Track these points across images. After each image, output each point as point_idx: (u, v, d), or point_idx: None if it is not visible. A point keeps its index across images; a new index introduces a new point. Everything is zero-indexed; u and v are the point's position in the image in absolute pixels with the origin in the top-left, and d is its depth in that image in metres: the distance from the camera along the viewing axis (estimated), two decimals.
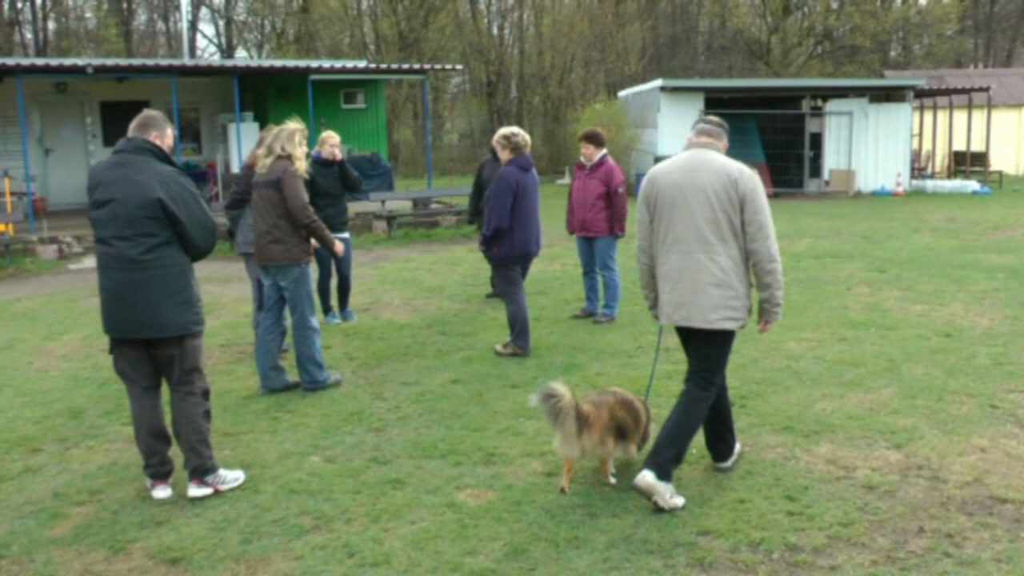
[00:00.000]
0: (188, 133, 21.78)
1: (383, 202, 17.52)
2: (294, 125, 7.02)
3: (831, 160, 23.66)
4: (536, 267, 12.58)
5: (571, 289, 10.85)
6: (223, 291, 11.52)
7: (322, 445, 5.77)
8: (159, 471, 5.07)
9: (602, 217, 8.95)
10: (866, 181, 23.58)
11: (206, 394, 5.13)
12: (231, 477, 5.15)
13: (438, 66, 21.37)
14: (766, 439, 5.69)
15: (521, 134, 7.70)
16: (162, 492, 5.04)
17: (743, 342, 7.94)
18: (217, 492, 5.03)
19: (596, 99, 29.00)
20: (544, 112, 38.65)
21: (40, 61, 17.70)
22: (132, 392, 5.09)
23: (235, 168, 19.90)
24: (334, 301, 9.57)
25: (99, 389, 7.21)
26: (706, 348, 4.89)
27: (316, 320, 7.10)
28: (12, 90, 17.83)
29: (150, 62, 19.84)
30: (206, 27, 47.78)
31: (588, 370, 7.33)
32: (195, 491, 5.01)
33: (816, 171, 23.85)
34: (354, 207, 18.46)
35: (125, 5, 41.07)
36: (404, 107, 45.33)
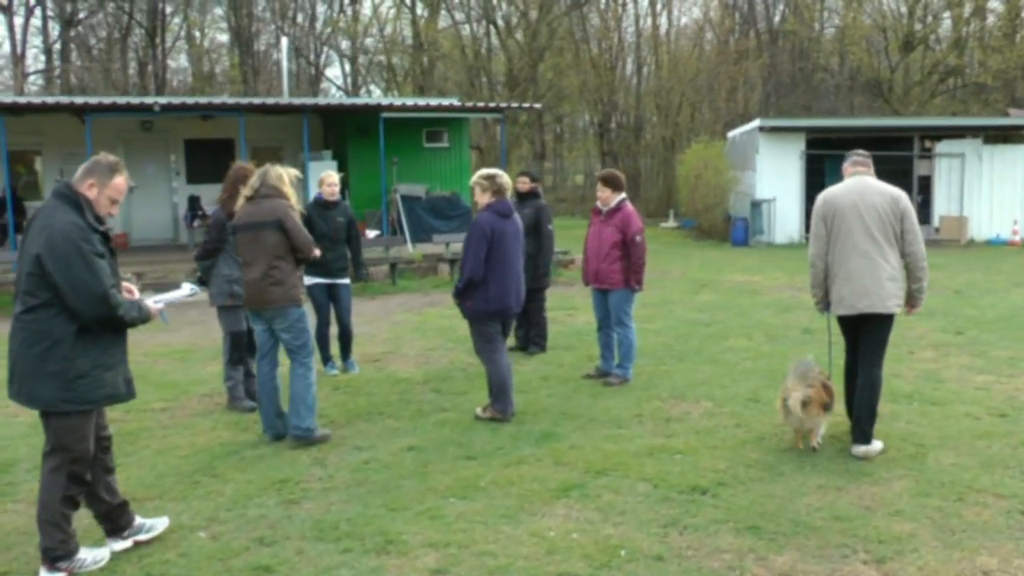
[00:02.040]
0: None
1: (447, 244, 17.04)
2: (281, 168, 6.69)
3: (941, 206, 21.94)
4: (571, 318, 11.82)
5: (637, 340, 9.93)
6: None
7: (220, 518, 5.18)
8: (103, 526, 4.81)
9: (617, 268, 8.13)
10: (980, 229, 21.73)
11: (73, 479, 4.49)
12: (91, 559, 4.58)
13: (514, 104, 20.78)
14: (720, 540, 4.76)
15: (503, 176, 7.02)
16: (114, 545, 4.77)
17: (759, 413, 7.05)
18: None
19: (698, 139, 27.85)
20: (653, 153, 37.74)
21: (107, 99, 18.07)
22: None
23: None
24: (335, 350, 9.05)
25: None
26: (879, 330, 6.18)
27: (315, 365, 6.73)
28: (97, 128, 18.30)
29: (217, 100, 20.11)
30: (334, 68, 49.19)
31: (564, 441, 6.52)
32: (44, 574, 4.50)
33: (925, 217, 22.11)
34: (424, 248, 18.14)
35: (249, 47, 42.47)
36: (520, 144, 45.36)
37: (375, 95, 41.58)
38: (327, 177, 8.62)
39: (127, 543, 4.78)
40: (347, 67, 45.27)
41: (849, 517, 5.04)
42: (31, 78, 40.52)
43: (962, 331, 10.45)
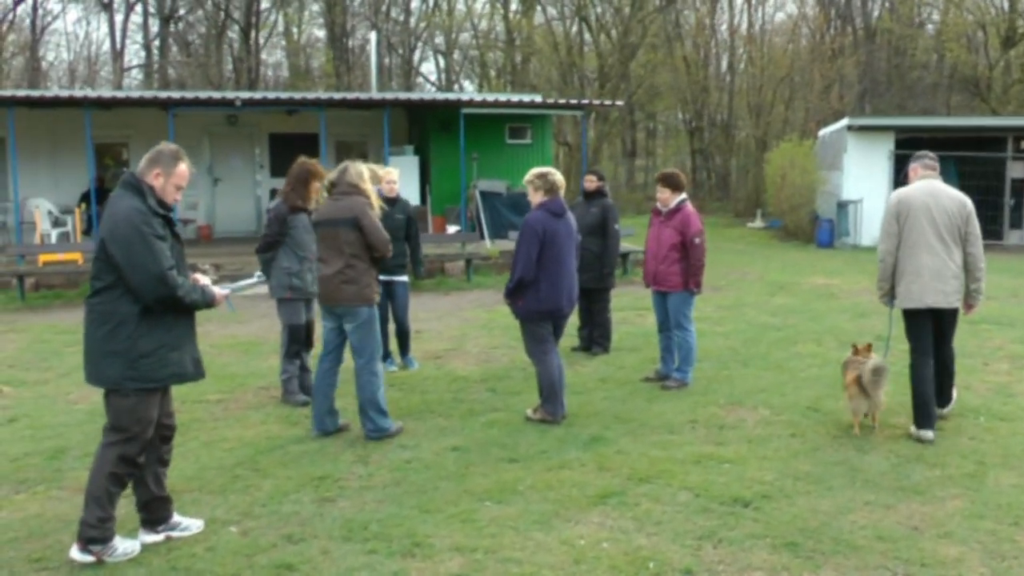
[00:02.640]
0: None
1: None
2: (362, 164, 6.83)
3: None
4: (640, 318, 11.63)
5: (703, 344, 9.74)
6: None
7: (253, 514, 5.23)
8: (141, 515, 4.86)
9: (676, 270, 7.97)
10: None
11: (124, 460, 4.60)
12: (122, 550, 4.65)
13: (596, 102, 20.58)
14: (754, 556, 4.60)
15: (556, 174, 6.93)
16: (145, 537, 4.84)
17: (815, 424, 6.84)
18: (100, 562, 4.58)
19: (785, 138, 27.17)
20: (745, 152, 37.00)
21: (190, 94, 18.56)
22: None
23: None
24: (393, 347, 9.09)
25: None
26: (945, 322, 6.71)
27: (381, 366, 6.79)
28: (184, 122, 18.82)
29: (298, 95, 20.38)
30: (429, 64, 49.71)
31: (611, 446, 6.40)
32: (75, 553, 4.59)
33: (1018, 221, 21.13)
34: (501, 244, 18.12)
35: (344, 43, 43.10)
36: (613, 141, 45.02)
37: (468, 90, 41.79)
38: (386, 174, 8.64)
39: (159, 537, 4.84)
40: (441, 63, 45.69)
41: (894, 537, 4.82)
42: (132, 72, 41.96)
43: None
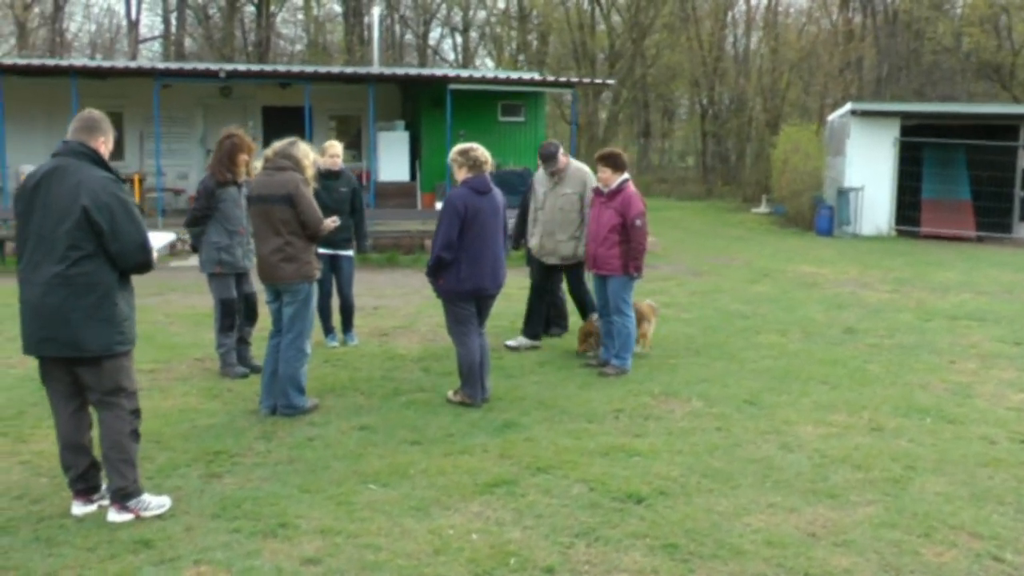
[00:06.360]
0: (347, 141, 22.02)
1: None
2: (308, 146, 6.66)
3: None
4: (640, 301, 11.23)
5: (661, 330, 9.51)
6: None
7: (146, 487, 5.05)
8: (76, 487, 4.78)
9: (615, 253, 7.69)
10: None
11: (135, 414, 4.76)
12: (156, 503, 4.75)
13: (586, 80, 20.22)
14: (625, 557, 4.35)
15: (479, 149, 6.67)
16: (79, 509, 4.74)
17: (746, 418, 6.61)
18: (138, 518, 4.63)
19: (790, 122, 26.66)
20: (760, 136, 36.41)
21: (175, 65, 18.43)
22: (52, 401, 4.78)
23: (383, 177, 19.86)
24: (336, 322, 8.89)
25: (34, 391, 6.79)
26: None
27: (310, 345, 6.61)
28: (178, 93, 18.69)
29: (283, 68, 20.23)
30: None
31: (522, 433, 6.17)
32: (115, 516, 4.66)
33: None
34: None
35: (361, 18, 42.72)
36: (629, 121, 44.49)
37: (489, 68, 41.38)
38: (330, 147, 8.42)
39: (92, 508, 4.80)
40: (458, 40, 45.30)
41: (785, 543, 4.55)
42: (150, 44, 41.90)
43: (1022, 342, 9.57)
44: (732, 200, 32.94)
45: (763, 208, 27.65)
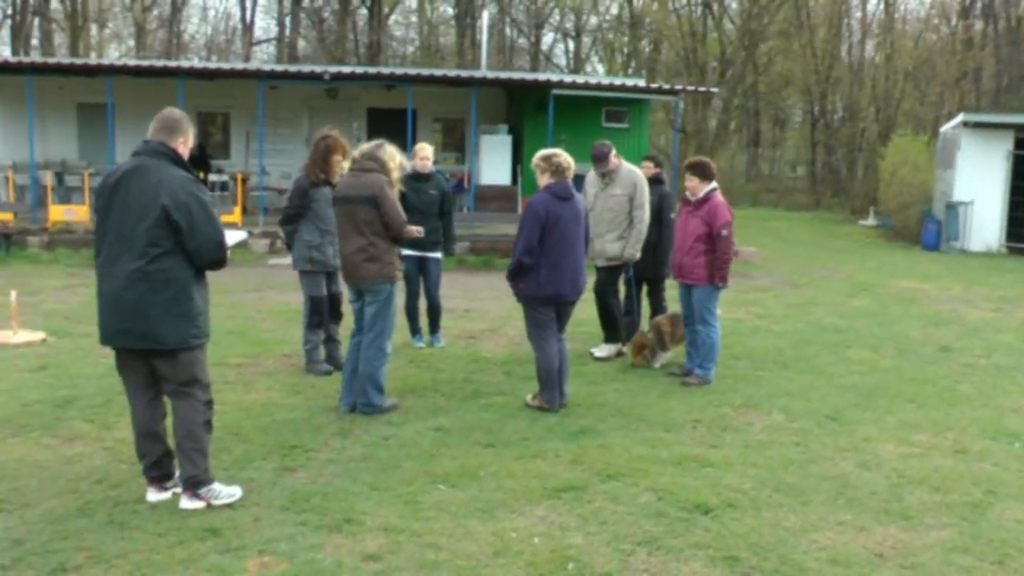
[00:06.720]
0: (451, 143, 22.35)
1: None
2: (395, 149, 6.77)
3: None
4: (734, 312, 11.17)
5: (751, 342, 9.55)
6: None
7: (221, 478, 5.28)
8: (150, 474, 4.96)
9: (701, 263, 7.65)
10: None
11: (209, 405, 4.96)
12: (226, 492, 4.93)
13: (691, 87, 20.02)
14: (684, 568, 4.34)
15: (562, 155, 6.72)
16: (153, 495, 4.93)
17: (826, 434, 6.51)
18: (209, 506, 4.83)
19: (899, 132, 25.85)
20: (861, 147, 35.41)
21: (279, 67, 18.97)
22: (128, 390, 4.99)
23: (485, 180, 20.07)
24: (423, 324, 9.06)
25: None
26: None
27: (391, 345, 6.78)
28: (285, 95, 19.29)
29: (386, 70, 20.58)
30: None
31: (596, 440, 6.19)
32: (187, 503, 4.85)
33: None
34: None
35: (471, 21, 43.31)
36: (735, 131, 43.89)
37: (600, 74, 41.44)
38: (420, 149, 8.59)
39: (167, 495, 4.99)
40: (571, 45, 45.53)
41: (850, 563, 4.47)
42: (265, 46, 43.31)
43: None
44: (840, 212, 32.15)
45: (870, 221, 26.90)
